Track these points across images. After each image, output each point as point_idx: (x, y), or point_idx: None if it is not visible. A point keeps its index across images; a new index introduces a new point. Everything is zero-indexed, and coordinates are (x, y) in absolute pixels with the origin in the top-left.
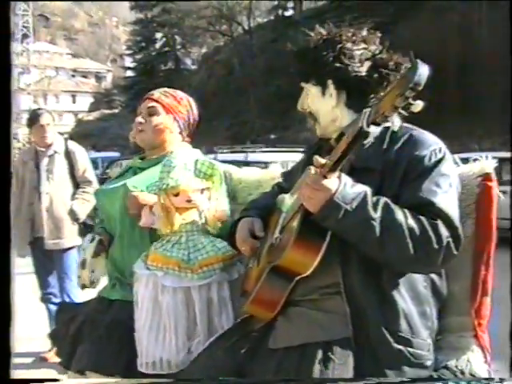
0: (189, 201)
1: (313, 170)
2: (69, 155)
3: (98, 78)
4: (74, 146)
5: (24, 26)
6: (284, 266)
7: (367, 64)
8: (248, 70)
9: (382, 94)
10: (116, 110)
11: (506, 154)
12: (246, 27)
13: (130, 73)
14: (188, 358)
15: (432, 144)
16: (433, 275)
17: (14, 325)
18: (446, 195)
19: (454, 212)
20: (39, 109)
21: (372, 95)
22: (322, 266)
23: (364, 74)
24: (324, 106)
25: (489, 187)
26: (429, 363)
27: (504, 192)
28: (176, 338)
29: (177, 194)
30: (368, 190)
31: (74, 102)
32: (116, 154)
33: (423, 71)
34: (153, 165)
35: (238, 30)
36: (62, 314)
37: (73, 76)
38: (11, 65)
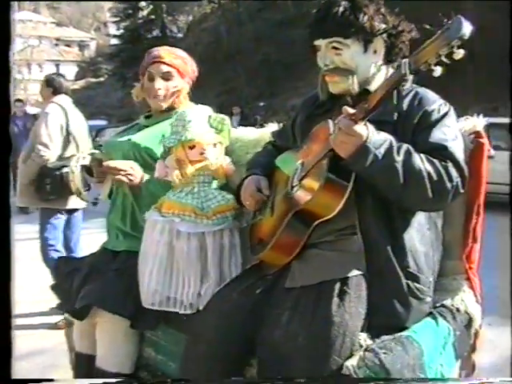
0: (202, 153)
1: (331, 123)
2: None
3: (81, 46)
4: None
5: None
6: (309, 210)
7: (403, 25)
8: (235, 38)
9: (422, 46)
10: (102, 79)
11: (495, 120)
12: None
13: (115, 41)
14: (198, 301)
15: (437, 100)
16: (435, 218)
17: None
18: (454, 142)
19: (460, 155)
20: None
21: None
22: (339, 210)
23: (404, 34)
24: (365, 62)
25: (481, 143)
26: (429, 300)
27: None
28: (188, 281)
29: (192, 147)
30: (391, 137)
31: (57, 71)
32: (103, 123)
33: (467, 24)
34: (158, 122)
35: None
36: (62, 267)
37: (56, 45)
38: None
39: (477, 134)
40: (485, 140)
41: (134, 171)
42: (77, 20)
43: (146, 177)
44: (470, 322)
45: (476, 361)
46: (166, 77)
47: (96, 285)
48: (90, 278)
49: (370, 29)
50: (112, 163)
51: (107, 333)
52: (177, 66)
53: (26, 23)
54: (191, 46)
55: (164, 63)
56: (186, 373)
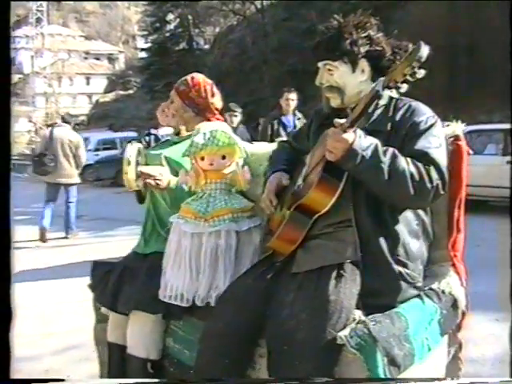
0: (211, 164)
1: (330, 131)
2: None
3: (111, 59)
4: None
5: (38, 10)
6: (306, 205)
7: (387, 46)
8: (261, 49)
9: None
10: (131, 91)
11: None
12: (259, 6)
13: (143, 54)
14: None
15: (426, 113)
16: (423, 216)
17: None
18: (437, 149)
19: (442, 161)
20: None
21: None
22: (337, 206)
23: (387, 54)
24: (353, 81)
25: (459, 145)
26: (419, 285)
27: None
28: (190, 274)
29: (202, 159)
30: (378, 141)
31: (87, 84)
32: (134, 134)
33: (425, 49)
34: (184, 140)
35: (250, 9)
36: (98, 270)
37: (85, 58)
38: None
39: (456, 138)
40: (463, 142)
41: (162, 177)
42: (105, 33)
43: (173, 182)
44: (455, 302)
45: (482, 352)
46: (171, 100)
47: (134, 288)
48: (124, 279)
49: (351, 52)
50: (145, 169)
51: (138, 324)
52: (178, 90)
53: (55, 37)
54: (218, 59)
55: (173, 88)
56: (205, 349)
